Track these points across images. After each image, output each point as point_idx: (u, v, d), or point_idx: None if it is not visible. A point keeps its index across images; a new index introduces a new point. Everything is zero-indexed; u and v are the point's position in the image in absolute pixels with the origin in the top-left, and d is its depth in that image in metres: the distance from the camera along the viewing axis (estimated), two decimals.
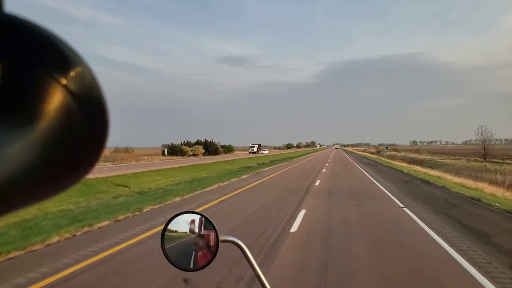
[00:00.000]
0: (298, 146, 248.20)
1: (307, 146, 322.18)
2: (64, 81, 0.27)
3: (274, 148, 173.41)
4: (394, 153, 74.23)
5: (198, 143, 67.65)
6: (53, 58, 0.27)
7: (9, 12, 0.27)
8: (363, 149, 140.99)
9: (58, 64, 0.27)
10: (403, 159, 45.94)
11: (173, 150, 57.40)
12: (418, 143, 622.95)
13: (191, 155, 58.87)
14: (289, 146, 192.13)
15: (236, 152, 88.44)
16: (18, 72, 0.25)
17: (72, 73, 0.27)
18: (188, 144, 65.00)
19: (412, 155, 55.67)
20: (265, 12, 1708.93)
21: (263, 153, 65.82)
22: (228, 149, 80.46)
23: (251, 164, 31.74)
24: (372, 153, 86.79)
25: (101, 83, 0.30)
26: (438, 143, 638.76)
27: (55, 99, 0.26)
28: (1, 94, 0.25)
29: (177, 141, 65.78)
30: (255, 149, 70.81)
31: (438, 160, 41.78)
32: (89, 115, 0.28)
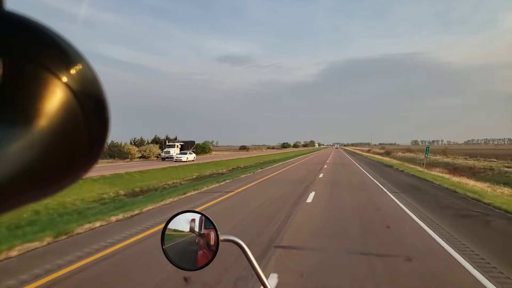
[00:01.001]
0: (295, 146, 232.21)
1: (305, 145, 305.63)
2: (64, 79, 0.27)
3: (268, 147, 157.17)
4: (410, 155, 58.41)
5: (155, 141, 52.08)
6: (54, 56, 0.27)
7: (10, 9, 0.27)
8: (366, 148, 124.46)
9: (58, 61, 0.27)
10: (446, 167, 29.87)
11: (111, 151, 41.37)
12: (420, 143, 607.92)
13: (141, 157, 43.22)
14: (284, 146, 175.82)
15: (214, 153, 72.64)
16: (19, 70, 0.25)
17: (72, 71, 0.27)
18: (139, 143, 49.35)
19: (447, 160, 39.48)
20: (265, 11, 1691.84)
21: (179, 159, 34.25)
22: (202, 149, 64.63)
23: (166, 183, 15.84)
24: (379, 154, 70.92)
25: (101, 81, 0.30)
26: (440, 142, 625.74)
27: (56, 97, 0.26)
28: (1, 92, 0.25)
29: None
30: (172, 152, 39.75)
31: None
32: (89, 113, 0.28)
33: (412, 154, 56.34)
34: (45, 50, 0.26)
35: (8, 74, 0.25)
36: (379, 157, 50.48)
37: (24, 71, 0.25)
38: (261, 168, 23.83)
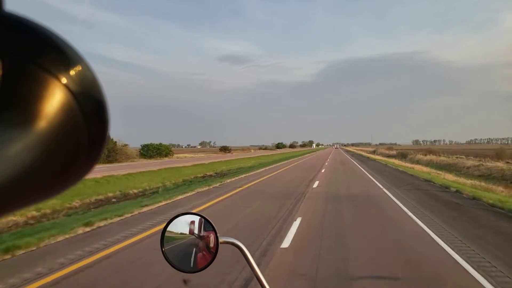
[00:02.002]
0: (291, 146, 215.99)
1: (303, 145, 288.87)
2: (64, 80, 0.26)
3: (260, 148, 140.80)
4: (440, 158, 42.52)
5: None
6: (53, 57, 0.26)
7: (10, 11, 0.26)
8: (370, 149, 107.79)
9: (58, 63, 0.26)
10: None
11: None
12: (421, 143, 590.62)
13: None
14: (279, 146, 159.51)
15: (178, 156, 56.67)
16: (18, 71, 0.25)
17: (72, 72, 0.27)
18: None
19: None
20: (265, 11, 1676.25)
21: None
22: (157, 151, 48.45)
23: None
24: (392, 157, 54.94)
25: (101, 82, 0.30)
26: (442, 142, 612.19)
27: (55, 98, 0.26)
28: (1, 93, 0.24)
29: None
30: None
31: None
32: (89, 114, 0.28)
33: (443, 158, 40.27)
34: (44, 51, 0.26)
35: (7, 75, 0.24)
36: (399, 162, 34.35)
37: (24, 72, 0.25)
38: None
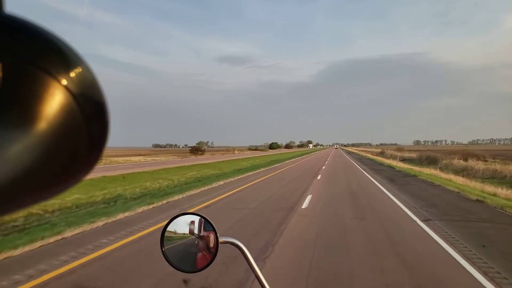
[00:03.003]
0: (288, 146, 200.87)
1: (301, 145, 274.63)
2: (64, 82, 0.26)
3: (250, 149, 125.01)
4: (487, 166, 27.22)
5: None
6: (54, 59, 0.27)
7: (10, 12, 0.27)
8: (375, 150, 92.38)
9: (58, 64, 0.27)
10: None
11: None
12: (422, 143, 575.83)
13: None
14: (272, 147, 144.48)
15: (108, 161, 41.29)
16: (19, 73, 0.25)
17: (72, 74, 0.27)
18: None
19: None
20: (265, 12, 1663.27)
21: None
22: None
23: None
24: (406, 161, 39.55)
25: (101, 84, 0.30)
26: (443, 142, 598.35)
27: (55, 100, 0.26)
28: (1, 94, 0.24)
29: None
30: None
31: None
32: (89, 116, 0.28)
33: (495, 166, 24.87)
34: (45, 53, 0.26)
35: (8, 77, 0.24)
36: (464, 181, 18.85)
37: (24, 74, 0.25)
38: None
